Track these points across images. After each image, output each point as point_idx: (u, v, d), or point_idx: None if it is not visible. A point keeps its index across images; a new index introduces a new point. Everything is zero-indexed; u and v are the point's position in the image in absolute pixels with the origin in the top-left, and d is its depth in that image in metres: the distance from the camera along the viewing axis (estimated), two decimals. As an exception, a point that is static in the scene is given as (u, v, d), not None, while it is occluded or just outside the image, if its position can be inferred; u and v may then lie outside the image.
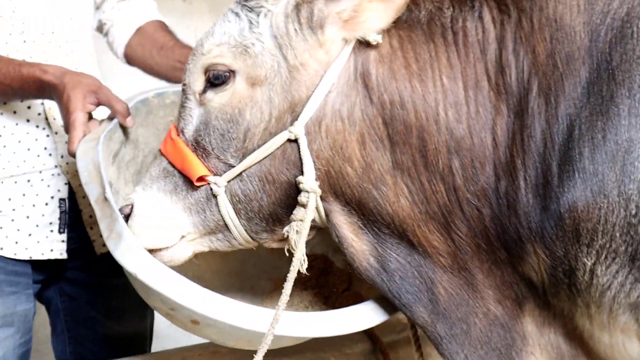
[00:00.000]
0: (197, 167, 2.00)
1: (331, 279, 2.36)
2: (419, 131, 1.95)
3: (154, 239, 2.05)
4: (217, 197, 2.01)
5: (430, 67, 1.97)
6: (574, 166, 1.81)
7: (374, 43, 1.95)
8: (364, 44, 1.97)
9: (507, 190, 1.92)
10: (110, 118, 2.27)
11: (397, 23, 1.99)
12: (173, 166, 2.06)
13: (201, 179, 2.00)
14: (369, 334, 2.54)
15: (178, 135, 2.06)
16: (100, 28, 2.94)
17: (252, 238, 2.09)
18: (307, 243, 2.17)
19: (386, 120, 1.96)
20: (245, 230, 2.06)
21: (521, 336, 2.03)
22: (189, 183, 2.03)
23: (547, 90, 1.88)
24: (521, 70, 1.92)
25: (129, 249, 1.93)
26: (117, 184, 2.24)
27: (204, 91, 2.02)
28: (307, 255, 2.11)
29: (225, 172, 2.00)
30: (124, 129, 2.30)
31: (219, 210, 2.03)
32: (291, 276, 1.93)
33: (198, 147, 2.02)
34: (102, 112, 2.32)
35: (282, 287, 2.07)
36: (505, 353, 2.04)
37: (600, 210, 1.78)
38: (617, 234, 1.77)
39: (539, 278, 1.94)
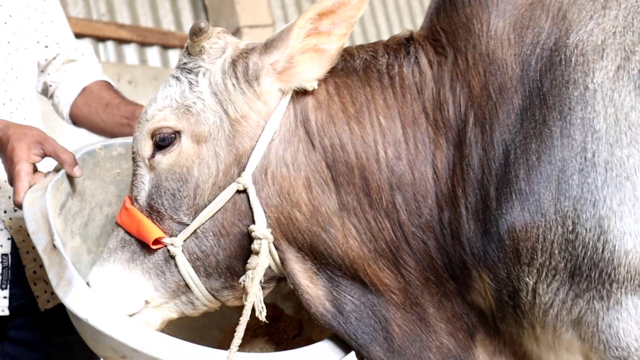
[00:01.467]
0: (153, 230, 2.05)
1: (282, 326, 2.38)
2: (360, 171, 2.03)
3: (117, 307, 2.05)
4: (175, 257, 2.06)
5: (367, 109, 2.06)
6: (511, 188, 1.88)
7: (310, 89, 2.05)
8: (301, 92, 2.07)
9: (450, 219, 1.99)
10: (57, 170, 2.30)
11: (333, 72, 2.11)
12: (130, 234, 2.10)
13: (157, 241, 2.05)
14: None
15: (132, 204, 2.12)
16: (45, 90, 3.00)
17: (214, 297, 2.12)
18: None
19: (329, 164, 2.05)
20: (207, 288, 2.09)
21: None
22: (147, 248, 2.07)
23: (482, 120, 1.97)
24: (458, 104, 2.01)
25: (79, 295, 1.94)
26: (63, 237, 2.23)
27: (153, 155, 2.09)
28: None
29: (180, 231, 2.05)
30: (71, 180, 2.32)
31: (179, 271, 2.07)
32: (243, 319, 1.98)
33: (152, 211, 2.08)
34: (47, 165, 2.36)
35: (233, 336, 2.10)
36: None
37: (538, 229, 1.85)
38: (556, 251, 1.83)
39: (487, 304, 2.00)
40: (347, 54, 2.16)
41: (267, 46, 2.06)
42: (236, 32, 6.35)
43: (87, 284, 2.04)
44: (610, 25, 1.91)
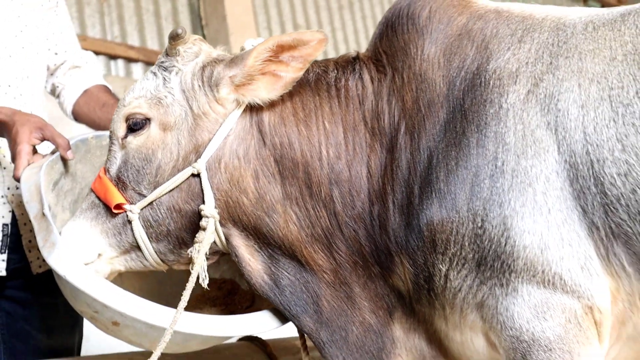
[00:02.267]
0: (116, 196, 2.14)
1: (237, 298, 2.45)
2: (304, 167, 2.11)
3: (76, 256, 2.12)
4: (132, 222, 2.14)
5: (315, 114, 2.14)
6: (432, 188, 1.95)
7: (262, 104, 2.12)
8: None
9: (379, 212, 2.06)
10: (53, 153, 2.39)
11: None
12: (99, 199, 2.19)
13: (119, 206, 2.13)
14: (269, 354, 2.62)
15: (105, 174, 2.20)
16: (53, 91, 3.09)
17: (161, 260, 2.20)
18: (217, 269, 2.29)
19: (277, 159, 2.13)
20: (155, 252, 2.18)
21: (391, 341, 2.15)
22: (110, 211, 2.15)
23: (412, 129, 2.04)
24: (393, 115, 2.09)
25: (61, 256, 2.03)
26: (55, 209, 2.33)
27: (125, 136, 2.18)
28: (217, 278, 2.23)
29: (139, 201, 2.14)
30: (65, 162, 2.41)
31: (133, 234, 2.15)
32: (189, 285, 2.06)
33: (119, 181, 2.16)
34: (46, 149, 2.44)
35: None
36: (377, 355, 2.15)
37: (452, 224, 1.91)
38: (466, 243, 1.90)
39: (405, 287, 2.06)
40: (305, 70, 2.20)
41: (231, 61, 2.13)
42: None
43: (60, 233, 2.12)
44: (524, 56, 1.98)
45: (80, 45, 3.22)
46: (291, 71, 2.12)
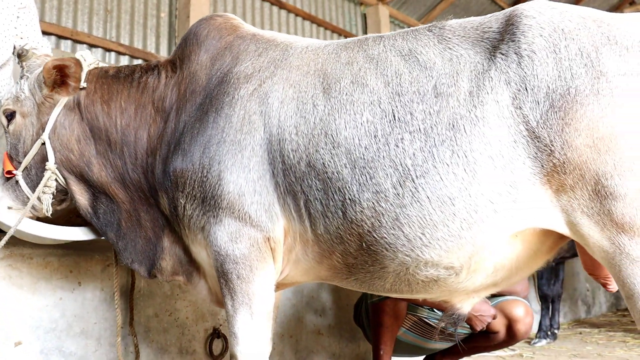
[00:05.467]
0: (7, 166, 2.36)
1: None
2: (106, 133, 2.30)
3: None
4: (18, 181, 2.35)
5: (115, 97, 2.32)
6: (180, 147, 2.12)
7: (71, 96, 2.31)
8: (79, 88, 2.35)
9: (151, 162, 2.24)
10: None
11: (106, 77, 2.38)
12: (3, 170, 2.40)
13: (9, 172, 2.35)
14: None
15: (5, 153, 2.41)
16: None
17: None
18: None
19: (90, 128, 2.32)
20: (37, 198, 2.35)
21: (161, 249, 2.31)
22: (7, 177, 2.39)
23: (179, 108, 2.20)
24: (172, 99, 2.25)
25: None
26: None
27: (7, 126, 2.38)
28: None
29: (19, 167, 2.36)
30: None
31: (22, 189, 2.36)
32: (27, 206, 2.28)
33: (9, 156, 2.39)
34: None
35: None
36: (152, 258, 2.31)
37: (189, 172, 2.08)
38: (196, 186, 2.06)
39: (167, 213, 2.22)
40: (118, 70, 2.42)
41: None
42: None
43: None
44: (258, 66, 2.13)
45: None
46: (72, 81, 2.32)
